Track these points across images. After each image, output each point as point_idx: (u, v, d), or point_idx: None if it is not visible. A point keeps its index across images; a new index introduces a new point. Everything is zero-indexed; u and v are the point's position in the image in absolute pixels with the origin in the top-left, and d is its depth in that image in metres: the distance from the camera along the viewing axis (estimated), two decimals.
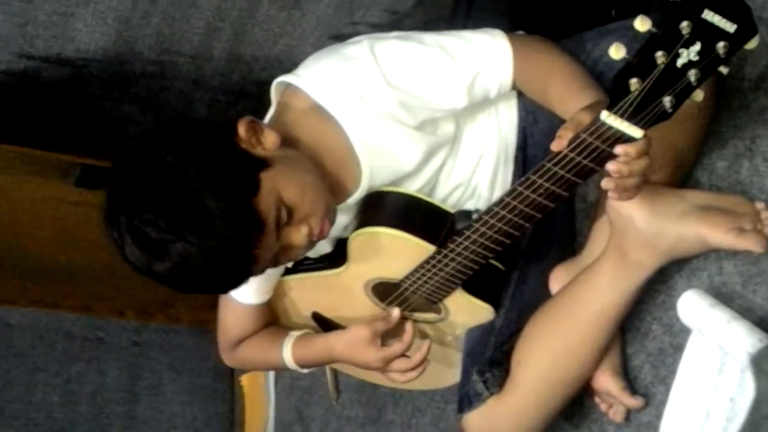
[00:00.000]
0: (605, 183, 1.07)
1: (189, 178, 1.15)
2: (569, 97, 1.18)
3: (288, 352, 1.47)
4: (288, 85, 1.33)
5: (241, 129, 1.22)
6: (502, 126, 1.40)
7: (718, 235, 1.15)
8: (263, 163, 1.20)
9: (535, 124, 1.39)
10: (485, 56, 1.28)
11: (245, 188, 1.17)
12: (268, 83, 1.37)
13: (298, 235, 1.23)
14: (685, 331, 1.22)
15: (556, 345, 1.29)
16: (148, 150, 1.19)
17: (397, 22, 1.71)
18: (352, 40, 1.36)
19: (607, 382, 1.31)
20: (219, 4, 1.62)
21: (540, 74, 1.28)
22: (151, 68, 1.75)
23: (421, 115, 1.29)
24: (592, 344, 1.28)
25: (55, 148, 1.84)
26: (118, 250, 1.20)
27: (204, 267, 1.17)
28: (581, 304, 1.27)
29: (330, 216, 1.27)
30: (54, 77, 1.74)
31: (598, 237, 1.32)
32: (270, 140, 1.24)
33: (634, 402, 1.30)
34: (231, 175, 1.17)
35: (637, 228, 1.19)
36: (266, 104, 1.39)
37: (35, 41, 1.66)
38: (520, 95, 1.39)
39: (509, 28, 1.33)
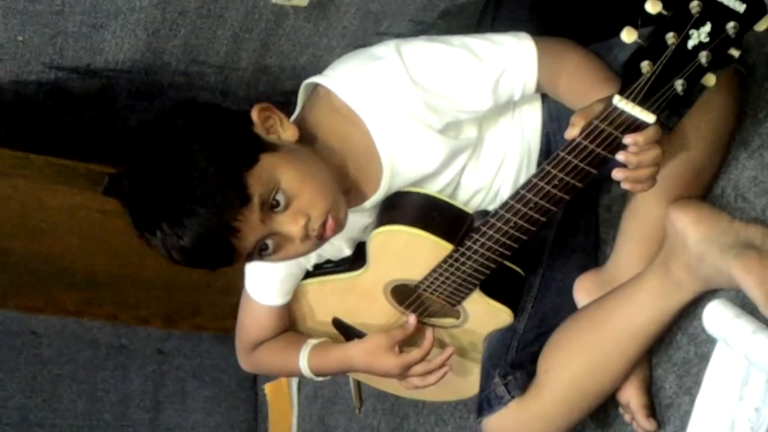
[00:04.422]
0: (616, 173, 1.07)
1: (190, 140, 1.19)
2: (591, 91, 1.18)
3: (305, 361, 1.48)
4: (315, 87, 1.34)
5: (254, 114, 1.25)
6: (526, 131, 1.40)
7: (749, 283, 1.12)
8: (269, 147, 1.22)
9: (560, 130, 1.39)
10: (510, 56, 1.28)
11: (240, 160, 1.19)
12: (295, 93, 1.38)
13: (294, 225, 1.22)
14: (711, 341, 1.21)
15: (590, 357, 1.29)
16: (165, 117, 1.26)
17: (422, 32, 1.71)
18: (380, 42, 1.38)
19: (631, 395, 1.31)
20: (246, 16, 1.64)
21: (564, 74, 1.28)
22: (178, 79, 1.76)
23: (446, 117, 1.30)
24: (625, 359, 1.28)
25: (83, 157, 1.86)
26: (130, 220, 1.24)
27: (188, 233, 1.18)
28: (620, 319, 1.26)
29: (336, 213, 1.25)
30: (83, 88, 1.75)
31: (624, 247, 1.32)
32: (289, 132, 1.26)
33: (647, 424, 1.30)
34: (229, 145, 1.20)
35: (685, 247, 1.19)
36: (292, 114, 1.40)
37: (65, 52, 1.67)
38: (545, 100, 1.39)
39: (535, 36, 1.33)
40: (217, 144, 1.19)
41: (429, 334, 1.40)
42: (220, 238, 1.19)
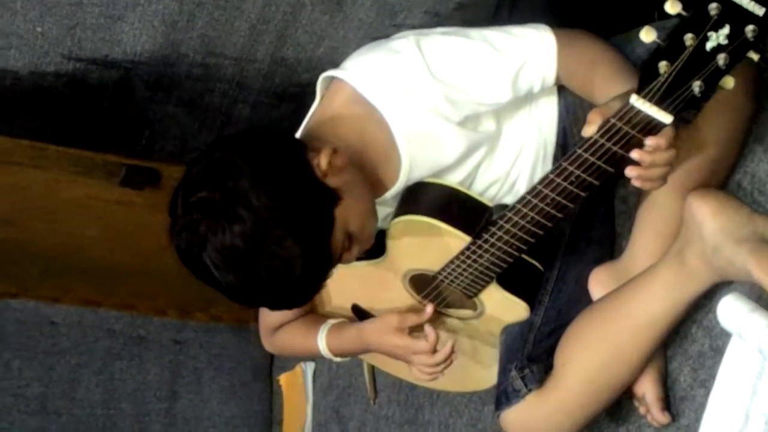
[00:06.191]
0: (629, 171, 1.07)
1: (273, 220, 1.16)
2: (610, 85, 1.18)
3: (323, 340, 1.50)
4: (333, 79, 1.35)
5: (324, 160, 1.22)
6: (542, 124, 1.41)
7: (763, 274, 1.12)
8: (336, 197, 1.22)
9: (576, 123, 1.40)
10: (530, 48, 1.29)
11: (323, 230, 1.20)
12: (311, 85, 1.38)
13: (350, 255, 1.28)
14: (726, 334, 1.21)
15: (605, 349, 1.29)
16: (233, 184, 1.17)
17: (438, 24, 1.71)
18: (397, 35, 1.38)
19: (646, 388, 1.31)
20: (263, 7, 1.64)
21: (583, 65, 1.28)
22: (195, 70, 1.77)
23: (465, 109, 1.30)
24: (641, 351, 1.28)
25: (101, 148, 1.87)
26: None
27: (275, 298, 1.25)
28: (635, 310, 1.27)
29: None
30: (101, 79, 1.76)
31: (639, 240, 1.32)
32: (339, 161, 1.23)
33: (662, 417, 1.30)
34: (312, 219, 1.20)
35: (702, 236, 1.19)
36: (308, 106, 1.40)
37: (83, 44, 1.68)
38: (561, 94, 1.40)
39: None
40: (299, 220, 1.18)
41: (432, 334, 1.39)
42: (307, 296, 1.30)
